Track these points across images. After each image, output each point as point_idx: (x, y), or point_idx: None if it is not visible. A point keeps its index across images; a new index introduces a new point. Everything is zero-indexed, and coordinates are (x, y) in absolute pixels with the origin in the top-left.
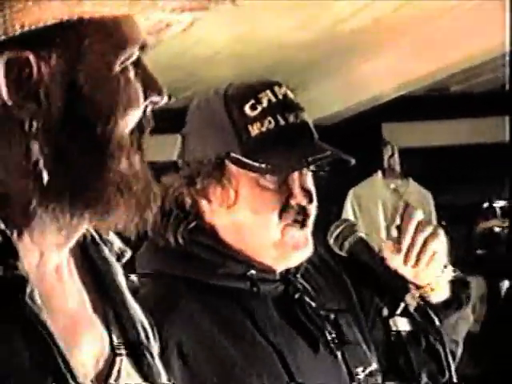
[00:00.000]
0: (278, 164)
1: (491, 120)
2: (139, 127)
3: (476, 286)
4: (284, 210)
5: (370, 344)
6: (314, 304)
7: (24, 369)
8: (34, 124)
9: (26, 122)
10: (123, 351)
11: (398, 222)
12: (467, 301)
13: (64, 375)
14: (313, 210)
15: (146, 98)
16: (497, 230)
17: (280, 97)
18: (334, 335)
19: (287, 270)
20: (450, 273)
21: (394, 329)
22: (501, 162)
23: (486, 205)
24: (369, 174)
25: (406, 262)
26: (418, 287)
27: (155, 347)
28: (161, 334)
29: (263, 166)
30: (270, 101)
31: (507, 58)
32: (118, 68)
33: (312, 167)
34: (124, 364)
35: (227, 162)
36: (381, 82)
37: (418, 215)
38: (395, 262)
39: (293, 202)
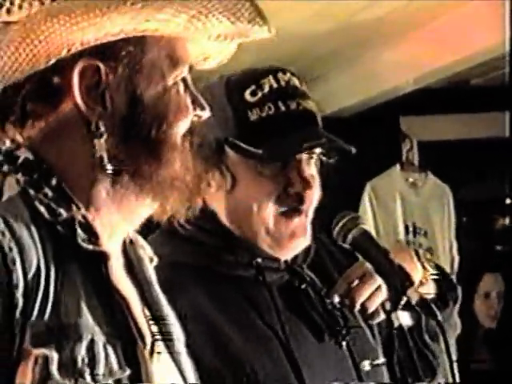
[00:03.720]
0: (272, 150)
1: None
2: (190, 132)
3: (494, 282)
4: (281, 197)
5: (376, 337)
6: (320, 294)
7: (103, 332)
8: (100, 125)
9: (92, 122)
10: (159, 337)
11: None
12: (454, 302)
13: (134, 337)
14: (312, 198)
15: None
16: None
17: (282, 83)
18: (339, 326)
19: (293, 260)
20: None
21: (396, 323)
22: None
23: (507, 201)
24: (387, 167)
25: None
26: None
27: (182, 338)
28: None
29: (259, 152)
30: (271, 87)
31: (507, 58)
32: (170, 82)
33: (315, 156)
34: (160, 347)
35: (226, 147)
36: (400, 73)
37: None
38: None
39: (291, 191)
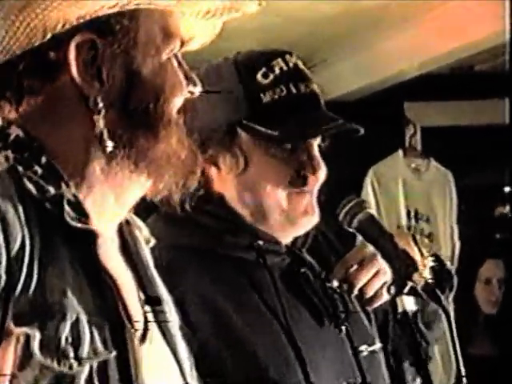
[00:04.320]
0: (293, 132)
1: None
2: (184, 109)
3: (495, 268)
4: (293, 179)
5: (372, 322)
6: (319, 278)
7: (89, 312)
8: (99, 100)
9: (90, 98)
10: (152, 318)
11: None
12: (450, 290)
13: (121, 318)
14: (320, 178)
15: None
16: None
17: (291, 65)
18: (339, 310)
19: (293, 243)
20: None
21: (400, 308)
22: None
23: (506, 189)
24: (390, 152)
25: None
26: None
27: (176, 319)
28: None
29: (276, 133)
30: (281, 69)
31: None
32: (164, 56)
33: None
34: (154, 330)
35: (238, 129)
36: (404, 58)
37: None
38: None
39: (302, 172)
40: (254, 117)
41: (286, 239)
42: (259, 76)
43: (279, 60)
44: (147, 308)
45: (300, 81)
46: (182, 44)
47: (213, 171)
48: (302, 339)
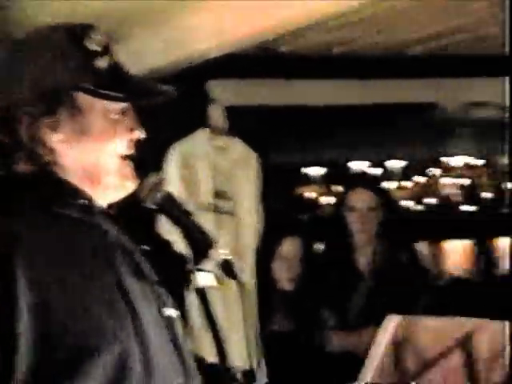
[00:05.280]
0: (138, 93)
1: (322, 82)
2: None
3: (294, 246)
4: (125, 142)
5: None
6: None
7: None
8: None
9: None
10: None
11: None
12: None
13: None
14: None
15: None
16: (313, 195)
17: (104, 36)
18: (154, 269)
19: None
20: None
21: (198, 284)
22: (326, 125)
23: (304, 170)
24: (195, 129)
25: None
26: None
27: None
28: (9, 265)
29: (122, 95)
30: (99, 38)
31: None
32: None
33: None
34: None
35: (77, 93)
36: (209, 37)
37: None
38: None
39: (132, 136)
40: (95, 81)
41: (104, 202)
42: (90, 43)
43: (94, 30)
44: None
45: (112, 50)
46: None
47: (52, 135)
48: (131, 293)
